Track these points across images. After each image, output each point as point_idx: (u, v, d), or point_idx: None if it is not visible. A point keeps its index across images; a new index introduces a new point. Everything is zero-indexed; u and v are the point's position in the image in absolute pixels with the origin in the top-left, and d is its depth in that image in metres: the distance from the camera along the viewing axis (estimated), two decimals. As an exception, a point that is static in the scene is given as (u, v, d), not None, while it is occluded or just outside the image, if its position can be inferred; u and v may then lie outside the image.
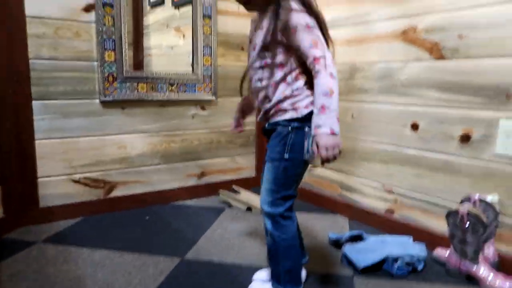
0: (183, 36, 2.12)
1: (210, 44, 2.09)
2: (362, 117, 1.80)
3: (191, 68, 2.09)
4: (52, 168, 1.74)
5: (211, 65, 2.11)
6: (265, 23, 1.06)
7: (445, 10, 1.45)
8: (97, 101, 1.80)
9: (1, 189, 1.61)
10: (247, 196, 2.13)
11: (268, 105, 1.11)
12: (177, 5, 2.12)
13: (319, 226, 1.78)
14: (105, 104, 1.82)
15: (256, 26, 1.11)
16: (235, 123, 1.32)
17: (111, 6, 1.75)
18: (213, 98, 2.13)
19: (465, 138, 1.43)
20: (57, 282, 1.25)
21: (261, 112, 1.15)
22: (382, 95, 1.70)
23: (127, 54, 1.83)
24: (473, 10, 1.37)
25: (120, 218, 1.82)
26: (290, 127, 1.07)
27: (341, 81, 1.87)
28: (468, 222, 1.29)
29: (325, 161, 1.01)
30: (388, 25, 1.65)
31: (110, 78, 1.80)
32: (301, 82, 1.08)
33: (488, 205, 1.31)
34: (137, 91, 1.89)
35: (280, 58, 1.06)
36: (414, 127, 1.59)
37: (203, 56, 2.07)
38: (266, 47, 1.06)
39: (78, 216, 1.81)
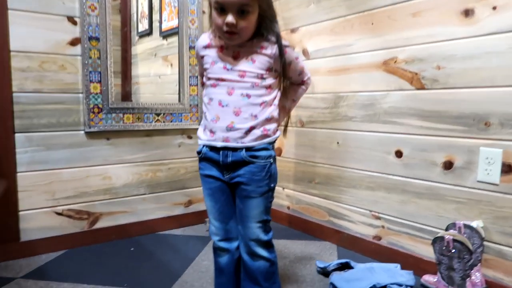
0: (171, 65, 2.14)
1: (196, 74, 2.11)
2: (347, 145, 1.82)
3: (178, 96, 2.10)
4: (34, 201, 1.70)
5: (197, 94, 2.12)
6: (254, 54, 1.07)
7: (423, 42, 1.50)
8: (82, 132, 1.79)
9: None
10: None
11: (251, 123, 1.07)
12: (164, 36, 2.15)
13: (308, 254, 1.76)
14: (89, 135, 1.81)
15: (234, 55, 1.09)
16: None
17: (97, 39, 1.76)
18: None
19: (448, 165, 1.45)
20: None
21: (235, 132, 1.07)
22: (366, 123, 1.73)
23: (113, 85, 1.84)
24: (449, 42, 1.42)
25: (104, 250, 1.78)
26: (271, 159, 1.11)
27: (325, 109, 1.91)
28: (454, 249, 1.30)
29: None
30: (369, 55, 1.69)
31: (96, 110, 1.80)
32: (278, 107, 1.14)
33: (473, 231, 1.32)
34: (123, 121, 1.89)
35: (270, 81, 1.09)
36: (398, 154, 1.61)
37: (189, 86, 2.09)
38: (261, 75, 1.08)
39: (60, 249, 1.77)
